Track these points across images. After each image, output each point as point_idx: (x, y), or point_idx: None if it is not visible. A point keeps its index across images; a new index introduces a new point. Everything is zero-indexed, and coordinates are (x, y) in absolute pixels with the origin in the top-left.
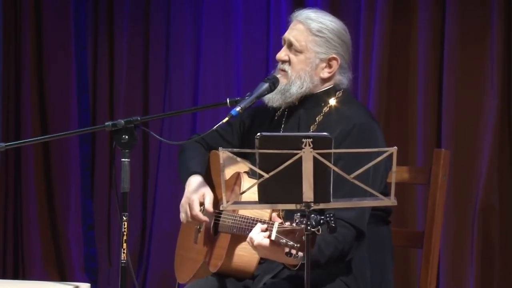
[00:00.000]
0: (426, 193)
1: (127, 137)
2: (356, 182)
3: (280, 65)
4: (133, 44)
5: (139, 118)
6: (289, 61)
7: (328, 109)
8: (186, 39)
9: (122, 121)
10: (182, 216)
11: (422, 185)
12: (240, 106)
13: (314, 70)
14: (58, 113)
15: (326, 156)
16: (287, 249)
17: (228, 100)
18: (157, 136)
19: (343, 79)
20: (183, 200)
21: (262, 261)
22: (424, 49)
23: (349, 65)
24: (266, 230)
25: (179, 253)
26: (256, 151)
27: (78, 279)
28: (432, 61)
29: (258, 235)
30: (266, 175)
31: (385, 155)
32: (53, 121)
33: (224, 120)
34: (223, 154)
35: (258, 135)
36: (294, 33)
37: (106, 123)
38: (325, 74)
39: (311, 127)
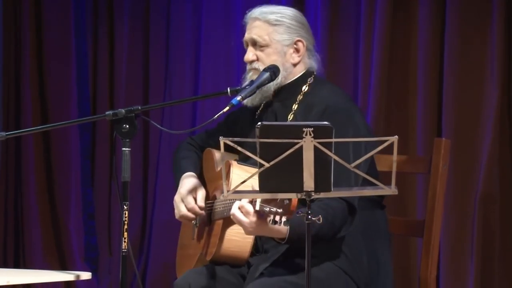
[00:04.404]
0: (427, 182)
1: (127, 126)
2: (356, 171)
3: (249, 66)
4: (133, 34)
5: (139, 107)
6: (257, 59)
7: (302, 96)
8: (187, 29)
9: (123, 110)
10: (176, 212)
11: (423, 174)
12: (240, 95)
13: (283, 58)
14: (58, 103)
15: (327, 145)
16: (271, 217)
17: (228, 89)
18: (158, 125)
19: (312, 62)
20: (176, 197)
21: (257, 253)
22: (424, 39)
23: (314, 47)
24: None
25: (179, 254)
26: (257, 140)
27: (78, 268)
28: (433, 51)
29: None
30: (267, 164)
31: (386, 143)
32: (53, 111)
33: (225, 109)
34: (223, 142)
35: (259, 125)
36: (254, 31)
37: (107, 112)
38: (295, 58)
39: (289, 116)
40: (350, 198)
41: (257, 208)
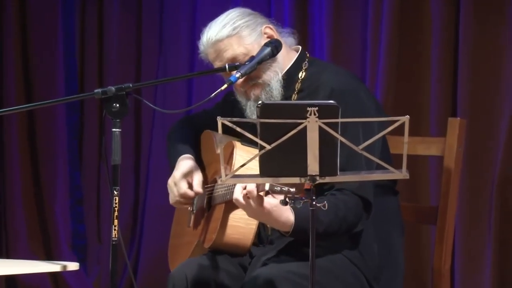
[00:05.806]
0: (440, 165)
1: (118, 105)
2: (365, 154)
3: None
4: (124, 4)
5: (131, 85)
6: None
7: (299, 84)
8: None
9: (113, 88)
10: (170, 196)
11: (436, 157)
12: (239, 72)
13: None
14: (43, 80)
15: (333, 125)
16: (282, 197)
17: (227, 66)
18: (151, 104)
19: (289, 39)
20: (170, 180)
21: (261, 245)
22: (438, 13)
23: (277, 24)
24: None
25: (172, 243)
26: (257, 120)
27: (65, 257)
28: (447, 24)
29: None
30: (268, 146)
31: (396, 124)
32: (38, 88)
33: (223, 87)
34: (221, 123)
35: (260, 103)
36: (226, 53)
37: (96, 90)
38: None
39: None
40: (364, 193)
41: (267, 188)
